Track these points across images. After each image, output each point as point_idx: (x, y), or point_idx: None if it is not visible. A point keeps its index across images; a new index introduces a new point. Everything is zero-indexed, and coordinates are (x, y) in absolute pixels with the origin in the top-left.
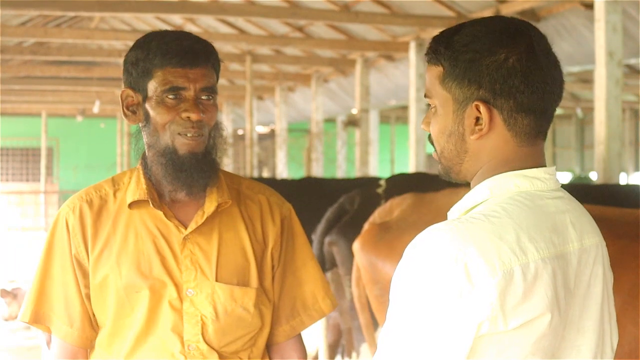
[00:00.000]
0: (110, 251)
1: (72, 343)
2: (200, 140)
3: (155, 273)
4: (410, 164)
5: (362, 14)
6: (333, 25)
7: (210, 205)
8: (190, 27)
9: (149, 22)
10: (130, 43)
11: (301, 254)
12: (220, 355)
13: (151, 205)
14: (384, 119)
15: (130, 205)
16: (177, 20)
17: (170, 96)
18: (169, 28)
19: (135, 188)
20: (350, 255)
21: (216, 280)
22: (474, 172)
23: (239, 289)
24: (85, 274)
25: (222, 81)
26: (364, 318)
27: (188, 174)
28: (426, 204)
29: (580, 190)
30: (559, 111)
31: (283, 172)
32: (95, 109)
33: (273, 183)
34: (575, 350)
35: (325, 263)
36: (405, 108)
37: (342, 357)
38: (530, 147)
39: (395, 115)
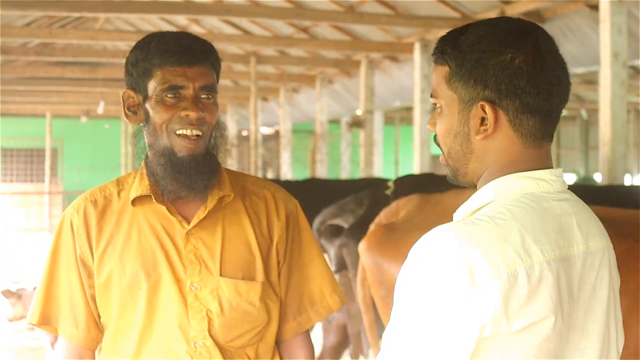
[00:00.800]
0: (114, 248)
1: (77, 344)
2: (199, 142)
3: (159, 269)
4: (414, 166)
5: (366, 15)
6: (337, 26)
7: (212, 200)
8: (195, 28)
9: (154, 22)
10: (134, 44)
11: (308, 250)
12: (226, 350)
13: (154, 200)
14: (389, 120)
15: (134, 203)
16: (181, 21)
17: (170, 95)
18: (172, 29)
19: (138, 185)
20: None
21: (220, 275)
22: (480, 173)
23: (243, 283)
24: (90, 275)
25: (226, 82)
26: (368, 319)
27: (187, 176)
28: (432, 205)
29: (584, 192)
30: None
31: (287, 173)
32: (100, 109)
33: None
34: (580, 354)
35: (332, 264)
36: (409, 109)
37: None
38: (536, 149)
39: (400, 117)
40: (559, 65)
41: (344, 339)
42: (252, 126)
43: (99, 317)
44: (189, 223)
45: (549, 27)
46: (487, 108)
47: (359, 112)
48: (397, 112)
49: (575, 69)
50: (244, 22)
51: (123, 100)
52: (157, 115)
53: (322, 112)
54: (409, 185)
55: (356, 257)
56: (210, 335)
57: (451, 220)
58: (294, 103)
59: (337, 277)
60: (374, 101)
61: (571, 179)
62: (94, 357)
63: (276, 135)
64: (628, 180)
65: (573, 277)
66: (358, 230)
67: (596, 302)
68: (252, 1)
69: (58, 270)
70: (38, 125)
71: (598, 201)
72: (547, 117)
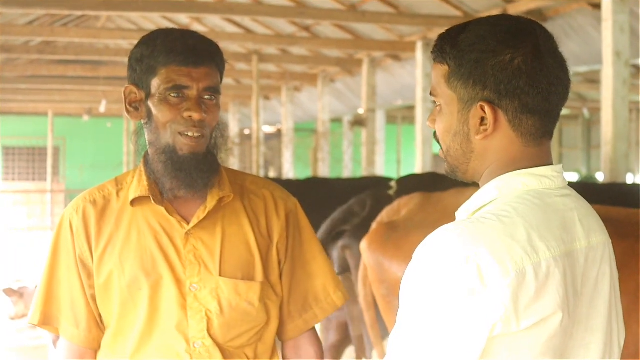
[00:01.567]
0: (114, 249)
1: (78, 344)
2: (201, 141)
3: (158, 269)
4: (416, 164)
5: (369, 13)
6: (340, 25)
7: (212, 200)
8: (197, 27)
9: (156, 21)
10: (136, 42)
11: (310, 248)
12: (225, 350)
13: (153, 201)
14: (391, 119)
15: (133, 203)
16: (183, 20)
17: (173, 95)
18: (175, 27)
19: (137, 185)
20: None
21: (220, 275)
22: (481, 172)
23: (243, 283)
24: (90, 275)
25: (228, 81)
26: (369, 317)
27: (187, 174)
28: (433, 204)
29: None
30: (565, 111)
31: (289, 171)
32: (102, 108)
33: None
34: (584, 349)
35: (335, 266)
36: (411, 108)
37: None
38: (537, 147)
39: (402, 116)
40: (559, 65)
41: (344, 337)
42: (254, 125)
43: (100, 317)
44: (188, 223)
45: (551, 26)
46: (487, 108)
47: (361, 111)
48: (399, 111)
49: (577, 68)
50: (246, 21)
51: (125, 96)
52: (160, 114)
53: (324, 110)
54: (411, 185)
55: (359, 258)
56: (210, 335)
57: (453, 218)
58: (296, 102)
59: (340, 279)
60: (376, 100)
61: (573, 178)
62: (96, 357)
63: (278, 134)
64: (630, 180)
65: (577, 272)
66: (361, 232)
67: (599, 297)
68: (255, 0)
69: (58, 270)
70: (40, 123)
71: (599, 200)
72: (546, 116)
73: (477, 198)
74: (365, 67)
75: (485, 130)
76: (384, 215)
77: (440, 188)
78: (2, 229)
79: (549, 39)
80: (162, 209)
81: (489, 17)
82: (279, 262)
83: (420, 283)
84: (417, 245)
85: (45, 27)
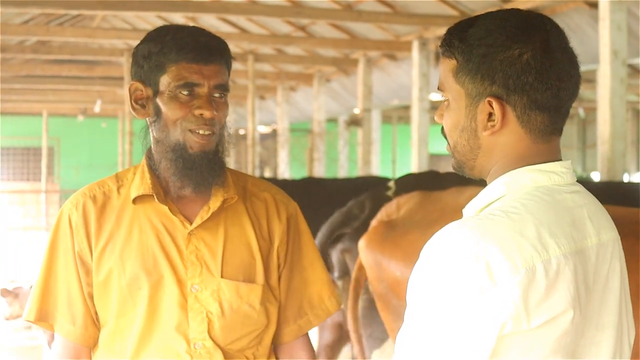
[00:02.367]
0: (114, 247)
1: (74, 341)
2: (211, 139)
3: (160, 269)
4: (412, 164)
5: (365, 13)
6: (335, 24)
7: (216, 201)
8: None
9: (151, 21)
10: (132, 42)
11: (308, 254)
12: (226, 352)
13: (156, 200)
14: (386, 119)
15: (135, 201)
16: (178, 19)
17: (184, 92)
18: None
19: (139, 183)
20: None
21: (221, 277)
22: (489, 168)
23: (244, 285)
24: (88, 272)
25: None
26: (352, 325)
27: (198, 172)
28: (432, 203)
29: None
30: None
31: (285, 171)
32: (97, 108)
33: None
34: (595, 347)
35: (335, 270)
36: (407, 108)
37: None
38: (546, 144)
39: (398, 115)
40: (569, 60)
41: (339, 338)
42: (250, 125)
43: (96, 314)
44: (190, 223)
45: None
46: (495, 104)
47: (356, 111)
48: (395, 110)
49: None
50: (242, 21)
51: (130, 92)
52: (170, 111)
53: (319, 110)
54: (410, 184)
55: None
56: (210, 337)
57: (452, 217)
58: (291, 102)
59: (340, 283)
60: (372, 100)
61: None
62: (90, 355)
63: (274, 134)
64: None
65: (588, 269)
66: (360, 235)
67: (609, 294)
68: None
69: (56, 266)
70: (35, 123)
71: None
72: (556, 112)
73: (485, 195)
74: (361, 67)
75: (493, 126)
76: (383, 214)
77: (439, 187)
78: None
79: (559, 34)
80: (165, 208)
81: (499, 11)
82: (278, 266)
83: (428, 282)
84: (416, 244)
85: (41, 26)
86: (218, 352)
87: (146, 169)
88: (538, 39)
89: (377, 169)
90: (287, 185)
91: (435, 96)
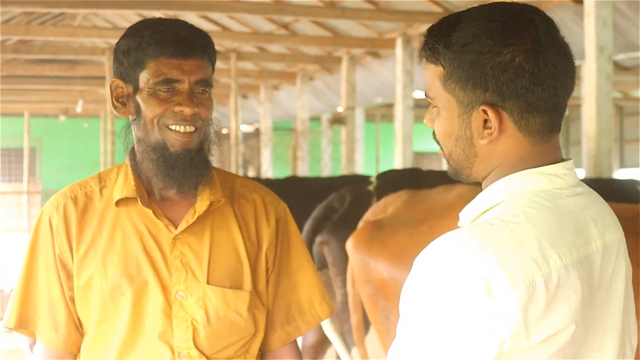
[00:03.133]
0: (96, 251)
1: (57, 348)
2: (193, 136)
3: (143, 274)
4: (396, 162)
5: (348, 10)
6: (318, 22)
7: (202, 204)
8: None
9: (132, 19)
10: (113, 41)
11: (297, 256)
12: None
13: (140, 203)
14: (369, 117)
15: (118, 203)
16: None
17: (163, 89)
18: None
19: (123, 185)
20: (342, 255)
21: (207, 283)
22: (485, 174)
23: (231, 292)
24: (69, 276)
25: None
26: (356, 318)
27: (180, 171)
28: (420, 201)
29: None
30: None
31: (268, 171)
32: (78, 108)
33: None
34: (597, 352)
35: (315, 263)
36: (390, 106)
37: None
38: (545, 144)
39: (381, 114)
40: (562, 55)
41: (324, 338)
42: (233, 124)
43: (79, 320)
44: (175, 227)
45: None
46: (490, 112)
47: (340, 109)
48: (378, 109)
49: None
50: (224, 19)
51: (111, 90)
52: (149, 109)
53: (303, 109)
54: (391, 180)
55: (337, 255)
56: (196, 346)
57: (440, 216)
58: (274, 100)
59: (326, 290)
60: (356, 98)
61: None
62: None
63: (257, 133)
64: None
65: (594, 274)
66: (339, 228)
67: (613, 297)
68: None
69: (36, 271)
70: (16, 124)
71: None
72: (554, 111)
73: (484, 199)
74: (344, 65)
75: (490, 134)
76: (370, 213)
77: (421, 184)
78: None
79: (549, 27)
80: (149, 212)
81: (482, 8)
82: (267, 270)
83: (423, 294)
84: (404, 244)
85: (21, 25)
86: None
87: (130, 170)
88: (529, 38)
89: (361, 168)
90: (271, 185)
91: (420, 94)
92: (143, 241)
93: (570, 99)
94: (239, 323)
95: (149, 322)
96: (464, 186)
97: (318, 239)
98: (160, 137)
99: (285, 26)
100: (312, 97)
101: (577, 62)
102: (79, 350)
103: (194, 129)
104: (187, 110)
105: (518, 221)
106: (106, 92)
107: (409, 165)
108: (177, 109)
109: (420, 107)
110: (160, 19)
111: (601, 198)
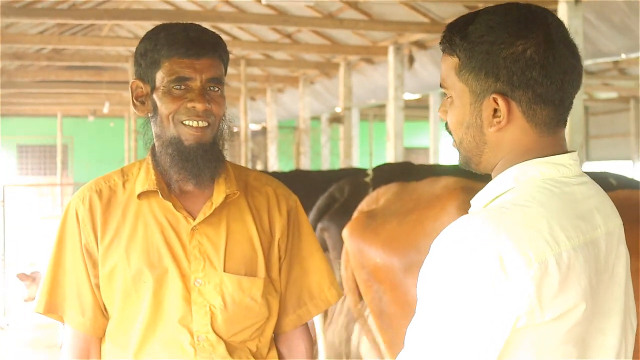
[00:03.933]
0: (120, 241)
1: (84, 332)
2: (206, 131)
3: (164, 263)
4: (388, 157)
5: (345, 21)
6: (318, 31)
7: (218, 196)
8: None
9: None
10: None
11: (307, 245)
12: (228, 345)
13: (160, 196)
14: (363, 116)
15: (140, 196)
16: None
17: (177, 86)
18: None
19: (144, 179)
20: (341, 240)
21: (224, 271)
22: (495, 162)
23: (246, 279)
24: (95, 264)
25: None
26: (352, 299)
27: (194, 164)
28: (408, 193)
29: None
30: None
31: (274, 165)
32: (105, 109)
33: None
34: (601, 334)
35: None
36: (381, 107)
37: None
38: (551, 136)
39: (373, 114)
40: (571, 52)
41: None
42: (242, 123)
43: (104, 305)
44: (194, 218)
45: None
46: (500, 100)
47: (338, 110)
48: (371, 109)
49: None
50: (234, 29)
51: (132, 90)
52: (164, 106)
53: (304, 109)
54: (386, 173)
55: (337, 240)
56: (213, 330)
57: (427, 206)
58: (279, 102)
59: (335, 276)
60: (352, 99)
61: None
62: (100, 345)
63: (263, 131)
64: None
65: (600, 259)
66: (339, 215)
67: (615, 281)
68: (241, 10)
69: (64, 259)
70: (50, 124)
71: None
72: (560, 105)
73: (493, 187)
74: (341, 70)
75: (499, 122)
76: (364, 204)
77: (413, 176)
78: (16, 218)
79: (559, 26)
80: (169, 204)
81: (498, 6)
82: (279, 259)
83: (441, 275)
84: (394, 232)
85: (55, 36)
86: (221, 344)
87: (150, 165)
88: (540, 33)
89: (357, 162)
90: (277, 177)
91: (409, 95)
92: (163, 232)
93: None
94: (253, 308)
95: (169, 307)
96: (449, 178)
97: (319, 225)
98: (175, 132)
99: (289, 36)
100: (312, 99)
101: None
102: (104, 334)
103: (206, 124)
104: (199, 106)
105: (529, 204)
106: (129, 95)
107: (400, 159)
108: (189, 105)
109: (410, 107)
110: (174, 23)
111: (601, 188)
